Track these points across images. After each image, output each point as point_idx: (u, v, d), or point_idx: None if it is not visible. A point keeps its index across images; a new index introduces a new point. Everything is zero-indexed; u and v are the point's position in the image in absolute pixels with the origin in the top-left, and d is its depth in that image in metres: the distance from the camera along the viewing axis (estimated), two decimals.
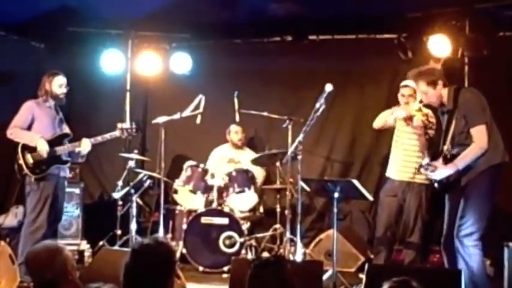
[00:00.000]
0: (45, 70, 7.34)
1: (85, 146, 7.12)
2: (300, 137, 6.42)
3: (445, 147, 5.88)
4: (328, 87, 6.32)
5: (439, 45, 7.98)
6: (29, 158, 6.83)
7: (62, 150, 7.01)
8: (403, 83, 7.17)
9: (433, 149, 6.76)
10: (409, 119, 7.02)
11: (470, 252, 5.75)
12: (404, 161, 7.16)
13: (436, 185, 5.94)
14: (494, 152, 5.76)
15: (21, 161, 6.83)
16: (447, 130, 5.94)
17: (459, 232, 5.77)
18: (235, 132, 8.67)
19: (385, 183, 7.40)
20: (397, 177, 7.21)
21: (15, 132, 6.90)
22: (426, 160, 5.97)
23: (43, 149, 6.82)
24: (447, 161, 5.83)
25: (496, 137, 5.82)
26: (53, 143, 6.95)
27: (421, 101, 6.46)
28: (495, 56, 7.88)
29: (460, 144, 5.81)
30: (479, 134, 5.73)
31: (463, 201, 5.79)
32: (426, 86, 5.96)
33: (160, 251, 3.51)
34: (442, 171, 5.82)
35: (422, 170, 5.98)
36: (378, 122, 7.36)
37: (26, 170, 6.82)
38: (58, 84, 7.09)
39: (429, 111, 6.89)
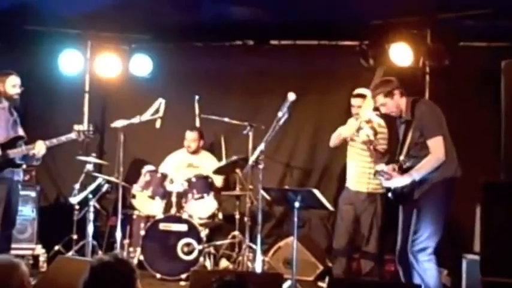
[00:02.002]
0: (1, 69, 7.16)
1: (39, 148, 6.93)
2: (262, 146, 6.35)
3: (401, 158, 5.89)
4: (291, 96, 6.27)
5: (401, 54, 8.02)
6: None
7: (15, 153, 6.83)
8: (355, 92, 7.21)
9: (386, 158, 6.83)
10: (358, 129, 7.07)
11: (425, 268, 5.77)
12: (358, 172, 7.20)
13: (389, 194, 5.94)
14: (448, 165, 5.80)
15: None
16: (404, 140, 5.97)
17: (413, 247, 5.79)
18: (191, 140, 8.50)
19: (343, 192, 7.40)
20: (352, 188, 7.23)
21: None
22: (381, 166, 5.97)
23: None
24: (403, 171, 5.83)
25: (450, 151, 5.86)
26: (6, 145, 6.78)
27: (375, 109, 6.47)
28: (456, 65, 7.94)
29: (415, 156, 5.82)
30: (436, 145, 5.76)
31: (415, 215, 5.81)
32: (384, 98, 5.98)
33: (120, 269, 3.40)
34: (397, 180, 5.84)
35: (377, 175, 5.99)
36: (332, 143, 7.41)
37: None
38: (11, 84, 6.92)
39: (381, 122, 6.92)
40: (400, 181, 5.81)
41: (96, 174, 7.97)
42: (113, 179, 7.74)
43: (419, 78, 8.24)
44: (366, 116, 6.76)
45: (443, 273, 6.96)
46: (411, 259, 5.81)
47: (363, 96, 7.07)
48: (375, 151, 7.05)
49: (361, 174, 7.18)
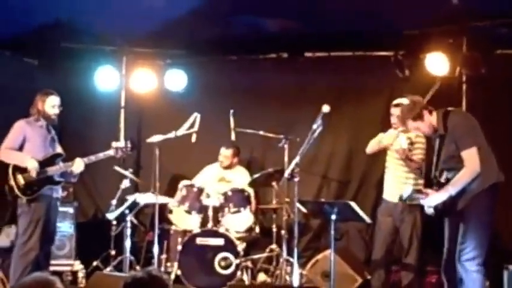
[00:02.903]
0: (38, 87, 7.26)
1: (78, 166, 7.00)
2: (297, 159, 6.34)
3: (437, 173, 5.82)
4: (325, 108, 6.25)
5: (437, 63, 7.96)
6: (20, 179, 6.71)
7: (54, 170, 6.89)
8: (394, 102, 7.13)
9: (422, 170, 6.77)
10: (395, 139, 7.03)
11: (473, 278, 5.66)
12: (396, 183, 7.12)
13: (431, 211, 5.83)
14: (488, 173, 5.67)
15: (12, 182, 6.71)
16: (439, 155, 5.89)
17: (461, 257, 5.68)
18: (224, 157, 8.54)
19: (382, 203, 7.33)
20: (391, 199, 7.15)
21: (5, 153, 6.79)
22: (408, 191, 5.91)
23: (33, 169, 6.71)
24: (441, 186, 5.75)
25: (489, 158, 5.74)
26: (45, 163, 6.84)
27: None
28: (492, 74, 7.83)
29: (453, 169, 5.73)
30: (471, 158, 5.65)
31: (462, 225, 5.70)
32: (414, 122, 5.89)
33: (153, 286, 3.41)
34: (433, 198, 5.74)
35: (407, 200, 5.95)
36: (370, 149, 7.36)
37: (17, 191, 6.70)
38: (51, 105, 6.98)
39: (417, 132, 6.84)
40: (437, 198, 5.72)
41: (132, 197, 7.96)
42: (149, 198, 7.72)
43: (455, 87, 8.15)
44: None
45: (486, 285, 6.84)
46: (459, 269, 5.70)
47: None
48: (410, 161, 6.99)
49: (400, 185, 7.09)
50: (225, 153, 8.52)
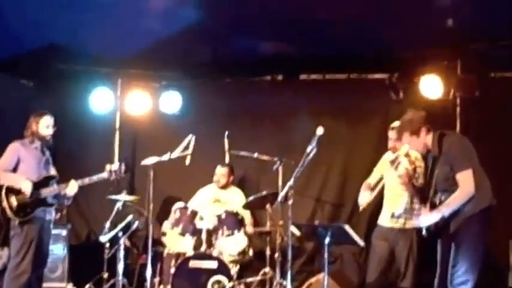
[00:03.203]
0: (34, 108, 7.25)
1: (72, 188, 6.97)
2: (291, 182, 6.31)
3: (430, 193, 5.81)
4: (319, 131, 6.22)
5: (431, 86, 7.99)
6: (13, 201, 6.68)
7: (47, 192, 6.86)
8: (392, 125, 7.10)
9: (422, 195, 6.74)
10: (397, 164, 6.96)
11: None
12: (394, 207, 7.06)
13: (424, 232, 5.82)
14: (481, 196, 5.67)
15: (4, 204, 6.67)
16: (431, 176, 5.87)
17: (453, 281, 5.67)
18: (221, 175, 8.56)
19: (376, 228, 7.29)
20: (385, 224, 7.11)
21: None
22: (400, 210, 5.90)
23: (27, 190, 6.68)
24: (435, 206, 5.74)
25: (483, 181, 5.74)
26: (39, 185, 6.81)
27: None
28: (487, 96, 7.86)
29: (447, 190, 5.72)
30: (465, 179, 5.65)
31: (454, 248, 5.69)
32: (410, 136, 5.91)
33: None
34: (426, 218, 5.74)
35: (399, 218, 5.94)
36: (364, 201, 7.25)
37: (9, 213, 6.66)
38: (45, 125, 6.96)
39: (417, 155, 6.79)
40: (429, 218, 5.72)
41: (128, 212, 7.96)
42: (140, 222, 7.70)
43: (450, 110, 8.16)
44: (404, 149, 6.66)
45: None
46: None
47: None
48: (412, 186, 6.94)
49: (400, 210, 7.08)
50: (221, 171, 8.54)
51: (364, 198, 7.11)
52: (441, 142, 5.82)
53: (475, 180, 5.65)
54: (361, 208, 7.10)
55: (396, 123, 6.91)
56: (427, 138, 5.88)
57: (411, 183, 6.83)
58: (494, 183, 5.83)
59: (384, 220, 7.17)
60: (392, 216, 6.04)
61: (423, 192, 6.69)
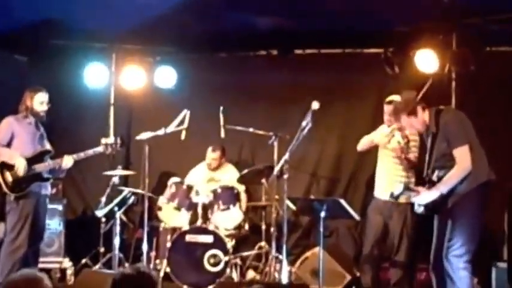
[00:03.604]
0: (28, 84, 7.25)
1: (66, 162, 6.98)
2: (286, 156, 6.33)
3: (429, 171, 5.83)
4: (315, 105, 6.24)
5: (426, 60, 7.94)
6: (8, 176, 6.69)
7: (42, 167, 6.87)
8: (387, 99, 7.12)
9: (417, 171, 6.77)
10: (391, 137, 7.01)
11: (460, 275, 5.66)
12: (389, 181, 7.10)
13: (422, 209, 5.84)
14: (479, 171, 5.69)
15: None
16: (431, 153, 5.90)
17: (448, 254, 5.69)
18: (213, 160, 8.57)
19: (372, 201, 7.33)
20: (381, 197, 7.15)
21: None
22: (400, 188, 5.93)
23: (20, 167, 6.68)
24: (433, 183, 5.75)
25: (480, 156, 5.76)
26: (33, 160, 6.81)
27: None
28: (482, 71, 7.83)
29: (444, 167, 5.73)
30: (462, 155, 5.66)
31: (451, 222, 5.71)
32: (407, 117, 5.91)
33: (142, 282, 3.44)
34: (425, 196, 5.76)
35: (398, 198, 5.97)
36: (361, 146, 7.38)
37: (4, 189, 6.68)
38: (39, 101, 6.95)
39: (411, 128, 6.82)
40: (428, 196, 5.74)
41: (122, 188, 7.99)
42: (138, 191, 7.74)
43: (445, 84, 8.15)
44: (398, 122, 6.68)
45: (474, 282, 6.85)
46: (447, 266, 5.71)
47: None
48: (406, 160, 6.98)
49: (392, 183, 7.10)
50: (212, 156, 8.54)
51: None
52: (438, 118, 5.82)
53: (472, 155, 5.66)
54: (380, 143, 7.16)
55: (392, 97, 6.94)
56: (424, 116, 5.88)
57: (404, 156, 6.89)
58: (490, 158, 5.85)
59: (378, 192, 7.22)
60: (391, 195, 6.05)
61: (417, 165, 6.74)
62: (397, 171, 7.07)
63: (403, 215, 7.06)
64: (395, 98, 6.96)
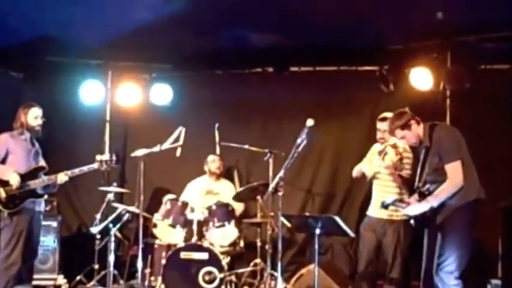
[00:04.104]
0: (23, 101, 7.25)
1: (61, 179, 7.00)
2: (281, 173, 6.31)
3: (420, 184, 5.84)
4: (309, 122, 6.22)
5: (421, 78, 7.99)
6: (2, 193, 6.68)
7: (36, 183, 6.87)
8: (380, 116, 7.14)
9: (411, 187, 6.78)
10: (384, 154, 7.02)
11: None
12: (383, 198, 7.10)
13: (411, 221, 5.87)
14: (469, 188, 5.71)
15: None
16: (423, 167, 5.93)
17: (439, 270, 5.70)
18: (212, 161, 8.58)
19: (365, 219, 7.33)
20: (374, 215, 7.16)
21: None
22: (391, 198, 5.95)
23: (14, 182, 6.68)
24: (424, 197, 5.77)
25: (471, 174, 5.78)
26: (28, 176, 6.82)
27: None
28: (477, 89, 7.87)
29: (436, 181, 5.75)
30: (454, 171, 5.69)
31: (441, 238, 5.73)
32: (402, 131, 5.94)
33: None
34: (414, 208, 5.79)
35: (390, 206, 5.98)
36: (354, 175, 7.38)
37: None
38: (33, 116, 6.97)
39: (406, 146, 6.84)
40: (418, 208, 5.77)
41: (117, 205, 7.97)
42: (133, 208, 7.74)
43: (439, 102, 8.18)
44: (392, 140, 6.71)
45: None
46: (437, 283, 5.71)
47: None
48: (399, 177, 6.99)
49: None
50: (213, 158, 8.57)
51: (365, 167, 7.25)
52: (432, 133, 5.86)
53: (463, 172, 5.68)
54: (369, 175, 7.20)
55: (385, 114, 6.97)
56: (418, 130, 5.91)
57: (397, 174, 6.90)
58: (481, 176, 5.86)
59: (372, 210, 7.22)
60: (382, 204, 6.06)
61: (410, 183, 6.74)
62: (391, 188, 7.07)
63: (397, 232, 7.04)
64: (388, 115, 7.00)
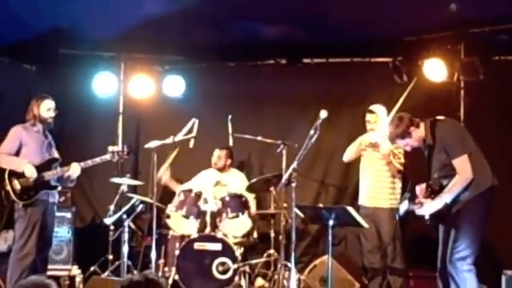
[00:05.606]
0: (36, 93, 7.25)
1: (74, 170, 7.01)
2: (294, 164, 6.32)
3: (430, 181, 5.82)
4: (323, 114, 6.22)
5: (435, 69, 7.96)
6: (16, 184, 6.72)
7: (50, 175, 6.90)
8: (370, 108, 7.20)
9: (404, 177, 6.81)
10: (376, 145, 7.07)
11: (464, 277, 5.67)
12: (375, 187, 7.16)
13: (427, 219, 5.84)
14: (481, 178, 5.72)
15: (8, 188, 6.72)
16: (429, 164, 5.91)
17: (452, 256, 5.71)
18: (217, 157, 8.58)
19: (360, 210, 7.31)
20: (369, 204, 7.20)
21: (2, 159, 6.80)
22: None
23: (30, 174, 6.72)
24: (436, 193, 5.74)
25: (481, 163, 5.78)
26: (41, 168, 6.85)
27: None
28: (490, 80, 7.84)
29: (448, 176, 5.74)
30: (462, 165, 5.69)
31: (455, 226, 5.73)
32: (403, 140, 5.93)
33: None
34: (429, 207, 5.77)
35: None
36: (348, 157, 7.45)
37: (13, 197, 6.71)
38: (46, 108, 7.00)
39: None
40: (432, 206, 5.76)
41: (131, 195, 8.00)
42: (147, 199, 7.76)
43: (453, 93, 8.16)
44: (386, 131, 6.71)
45: None
46: (450, 269, 5.72)
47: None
48: (395, 166, 7.02)
49: (379, 190, 7.16)
50: (218, 153, 8.56)
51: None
52: (434, 130, 5.85)
53: (472, 163, 5.68)
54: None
55: (374, 106, 7.09)
56: (419, 132, 5.90)
57: (393, 162, 6.96)
58: (495, 166, 5.85)
59: (364, 200, 7.30)
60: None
61: (403, 171, 6.77)
62: (382, 177, 7.11)
63: (393, 221, 7.14)
64: (377, 107, 7.14)
